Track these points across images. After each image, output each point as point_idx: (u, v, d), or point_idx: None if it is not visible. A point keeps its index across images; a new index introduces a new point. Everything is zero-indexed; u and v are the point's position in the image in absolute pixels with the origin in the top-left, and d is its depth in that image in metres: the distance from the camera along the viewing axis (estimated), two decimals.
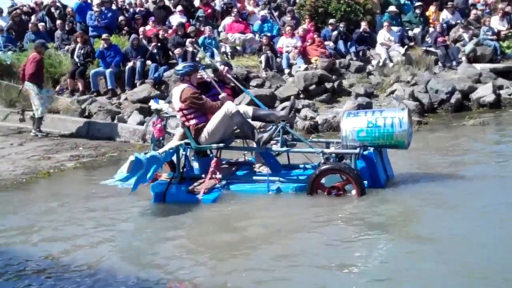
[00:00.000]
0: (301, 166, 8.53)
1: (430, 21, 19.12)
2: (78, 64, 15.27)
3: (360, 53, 17.04)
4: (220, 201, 7.63)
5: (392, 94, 15.31)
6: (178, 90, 8.02)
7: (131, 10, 18.29)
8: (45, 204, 8.28)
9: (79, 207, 7.96)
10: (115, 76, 14.95)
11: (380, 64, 16.60)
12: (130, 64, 14.96)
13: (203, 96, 7.98)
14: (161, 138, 8.51)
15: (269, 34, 17.11)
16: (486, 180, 8.11)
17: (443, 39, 17.47)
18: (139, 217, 7.48)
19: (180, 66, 8.41)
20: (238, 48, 16.82)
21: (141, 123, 13.47)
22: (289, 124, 8.08)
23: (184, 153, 8.27)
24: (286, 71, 15.78)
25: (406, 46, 17.18)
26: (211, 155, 8.35)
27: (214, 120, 7.88)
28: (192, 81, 8.09)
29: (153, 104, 8.72)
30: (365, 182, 7.44)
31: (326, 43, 16.77)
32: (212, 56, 16.04)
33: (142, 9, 18.41)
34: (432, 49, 17.39)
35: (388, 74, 16.36)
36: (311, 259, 5.52)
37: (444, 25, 18.25)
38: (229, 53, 16.35)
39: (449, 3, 19.57)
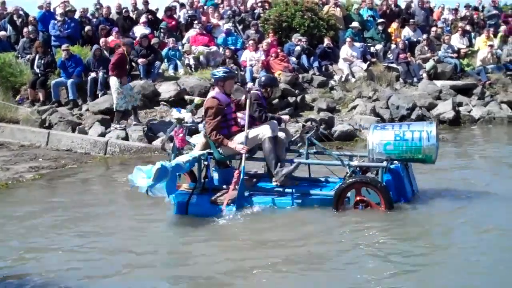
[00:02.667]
0: (323, 179, 8.36)
1: (392, 37, 19.39)
2: (39, 74, 15.04)
3: (323, 68, 17.18)
4: (243, 212, 7.54)
5: (353, 109, 15.46)
6: (207, 100, 7.86)
7: (95, 20, 18.10)
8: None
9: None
10: (76, 86, 14.77)
11: (343, 79, 16.77)
12: (92, 74, 14.81)
13: (219, 117, 7.64)
14: (181, 149, 8.41)
15: (233, 47, 17.16)
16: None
17: (405, 56, 17.74)
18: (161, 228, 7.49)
19: (217, 70, 8.15)
20: (202, 60, 16.79)
21: (102, 134, 13.34)
22: (314, 136, 8.03)
23: (206, 163, 8.12)
24: (249, 84, 15.80)
25: (368, 62, 17.40)
26: (231, 166, 8.23)
27: (249, 134, 7.72)
28: (225, 87, 7.84)
29: (175, 113, 8.64)
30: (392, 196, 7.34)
31: (289, 57, 16.88)
32: (175, 68, 16.05)
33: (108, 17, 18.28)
34: (393, 65, 17.64)
35: (350, 89, 16.53)
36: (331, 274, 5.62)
37: (406, 42, 18.51)
38: (193, 66, 16.34)
39: (411, 20, 19.93)
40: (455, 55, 18.40)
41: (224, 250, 6.48)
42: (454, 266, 5.69)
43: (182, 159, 7.67)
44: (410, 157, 7.61)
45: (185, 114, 8.57)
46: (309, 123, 8.53)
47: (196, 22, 18.13)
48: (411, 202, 7.63)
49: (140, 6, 19.15)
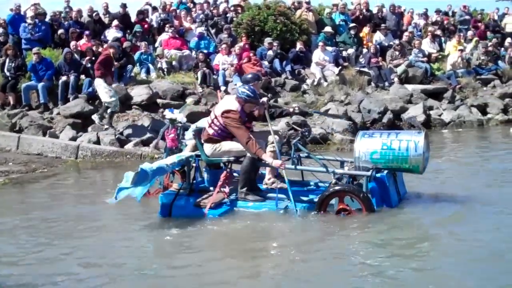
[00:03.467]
0: (312, 183, 8.30)
1: (364, 42, 19.55)
2: (9, 78, 14.86)
3: (296, 72, 17.25)
4: (227, 216, 7.46)
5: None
6: (228, 105, 7.68)
7: (66, 23, 17.95)
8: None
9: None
10: (47, 90, 14.62)
11: (315, 83, 16.86)
12: (63, 78, 14.68)
13: (245, 128, 7.56)
14: (174, 148, 8.37)
15: (205, 51, 17.14)
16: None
17: (376, 60, 17.90)
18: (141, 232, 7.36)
19: (242, 89, 7.72)
20: (174, 64, 16.76)
21: (74, 138, 13.23)
22: (301, 142, 7.94)
23: (194, 164, 8.08)
24: (222, 88, 15.80)
25: (340, 66, 17.51)
26: (223, 167, 8.05)
27: (234, 146, 7.62)
28: (245, 108, 7.69)
29: (167, 114, 8.63)
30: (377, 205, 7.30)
31: (262, 61, 16.92)
32: (148, 72, 15.99)
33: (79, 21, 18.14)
34: (365, 69, 17.79)
35: (322, 93, 16.62)
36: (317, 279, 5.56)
37: (378, 46, 18.68)
38: (165, 69, 16.29)
39: (382, 25, 20.12)
40: (425, 59, 18.64)
41: (208, 259, 6.29)
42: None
43: (166, 161, 7.66)
44: (396, 167, 7.54)
45: (177, 115, 8.60)
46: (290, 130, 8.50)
47: (168, 25, 18.10)
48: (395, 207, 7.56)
49: (112, 9, 19.06)
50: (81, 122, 13.84)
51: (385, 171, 7.52)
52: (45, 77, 14.62)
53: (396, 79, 17.71)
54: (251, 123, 8.05)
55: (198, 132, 7.93)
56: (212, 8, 20.52)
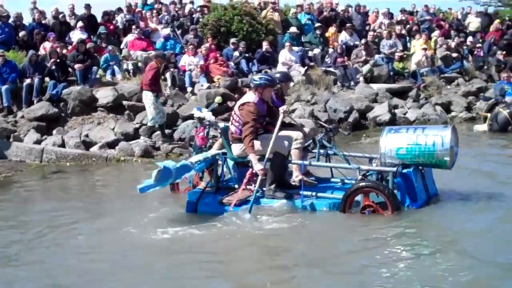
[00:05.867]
0: (339, 181, 8.29)
1: (330, 42, 19.68)
2: None
3: (262, 72, 17.26)
4: (251, 213, 7.46)
5: (292, 113, 15.61)
6: (246, 98, 7.79)
7: (28, 25, 17.74)
8: None
9: None
10: (11, 93, 14.43)
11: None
12: (27, 81, 14.51)
13: (254, 124, 7.56)
14: (203, 147, 8.42)
15: (172, 52, 17.09)
16: None
17: (342, 60, 18.03)
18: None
19: (258, 76, 8.03)
20: (140, 65, 16.67)
21: (38, 142, 13.09)
22: (326, 138, 8.00)
23: (221, 162, 8.12)
24: (189, 89, 15.77)
25: (306, 66, 17.57)
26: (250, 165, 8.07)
27: (262, 144, 7.62)
28: (264, 95, 7.74)
29: (196, 112, 8.63)
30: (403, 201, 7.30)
31: (228, 62, 16.94)
32: (113, 73, 15.88)
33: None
34: (331, 69, 17.90)
35: (288, 93, 16.63)
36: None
37: (343, 46, 18.81)
38: (131, 71, 16.20)
39: (348, 24, 20.26)
40: (392, 55, 18.84)
41: (224, 259, 6.45)
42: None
43: (193, 159, 7.74)
44: (423, 162, 7.52)
45: (205, 113, 8.61)
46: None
47: (134, 27, 18.00)
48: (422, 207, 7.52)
49: (79, 11, 18.89)
50: (46, 125, 13.69)
51: (412, 167, 7.50)
52: (9, 80, 14.42)
53: (361, 79, 17.86)
54: (273, 126, 7.91)
55: (225, 131, 7.99)
56: (178, 9, 20.45)
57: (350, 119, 15.60)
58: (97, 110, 14.56)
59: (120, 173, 11.84)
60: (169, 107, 14.76)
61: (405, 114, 16.76)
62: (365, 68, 18.07)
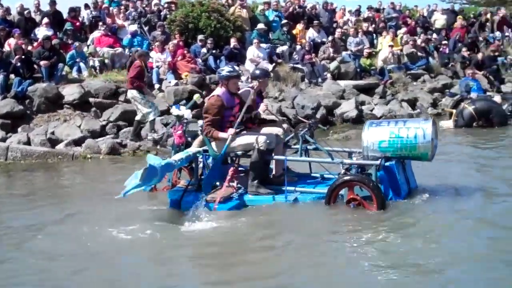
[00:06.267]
0: (318, 176, 8.28)
1: (297, 39, 19.75)
2: None
3: None
4: (236, 210, 7.49)
5: None
6: (213, 92, 7.84)
7: None
8: None
9: None
10: None
11: (249, 80, 16.89)
12: None
13: (218, 116, 7.62)
14: (181, 145, 8.33)
15: (139, 48, 16.96)
16: None
17: (310, 57, 18.12)
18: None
19: (221, 68, 8.07)
20: (107, 62, 16.54)
21: (3, 139, 12.92)
22: (309, 133, 8.00)
23: (202, 160, 8.06)
24: (156, 86, 15.68)
25: (274, 63, 17.61)
26: (230, 162, 8.09)
27: (242, 140, 7.69)
28: (229, 86, 7.76)
29: (174, 110, 8.55)
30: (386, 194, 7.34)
31: (196, 58, 16.90)
32: (79, 70, 15.73)
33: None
34: (299, 66, 17.98)
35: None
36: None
37: (311, 43, 18.90)
38: (98, 68, 16.07)
39: (315, 22, 20.34)
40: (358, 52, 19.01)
41: (213, 255, 6.44)
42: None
43: (175, 157, 7.68)
44: (405, 155, 7.57)
45: (184, 111, 8.55)
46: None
47: (100, 23, 17.84)
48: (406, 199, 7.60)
49: (45, 8, 18.63)
50: (11, 123, 13.50)
51: (394, 160, 7.57)
52: None
53: (329, 75, 17.98)
54: (254, 124, 8.02)
55: None
56: (145, 5, 20.31)
57: (318, 116, 15.67)
58: (63, 107, 14.39)
59: (86, 171, 11.76)
60: None
61: (371, 110, 16.92)
62: (333, 65, 18.20)
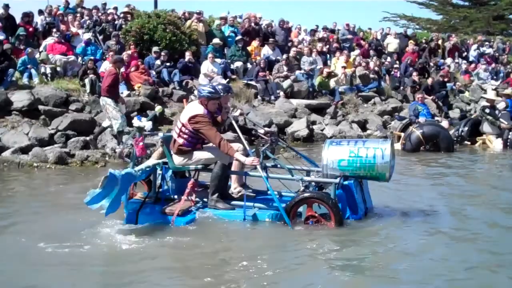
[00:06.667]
0: (276, 193, 8.18)
1: (252, 55, 19.88)
2: None
3: (184, 83, 17.27)
4: (194, 224, 7.42)
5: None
6: (194, 110, 7.68)
7: None
8: None
9: None
10: None
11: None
12: None
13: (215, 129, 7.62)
14: (142, 157, 8.14)
15: (92, 57, 16.82)
16: None
17: (264, 74, 18.25)
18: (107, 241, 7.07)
19: (202, 88, 7.94)
20: (59, 70, 16.33)
21: None
22: (270, 149, 7.98)
23: (161, 172, 7.98)
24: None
25: (228, 79, 17.68)
26: (188, 176, 8.07)
27: (204, 154, 7.69)
28: (208, 107, 7.74)
29: (135, 122, 8.35)
30: (343, 212, 7.38)
31: (150, 70, 16.84)
32: (30, 77, 15.48)
33: None
34: (252, 82, 18.09)
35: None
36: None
37: (266, 60, 19.04)
38: (49, 75, 15.85)
39: (271, 39, 20.52)
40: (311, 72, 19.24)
41: (173, 269, 6.33)
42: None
43: (136, 168, 7.58)
44: (364, 174, 7.66)
45: (145, 123, 8.43)
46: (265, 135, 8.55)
47: (54, 30, 17.61)
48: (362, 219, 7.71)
49: None
50: None
51: (352, 180, 7.66)
52: None
53: (282, 93, 18.14)
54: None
55: (166, 140, 7.93)
56: (100, 14, 20.14)
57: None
58: (12, 113, 14.13)
59: (32, 180, 11.52)
60: (87, 114, 14.53)
61: (322, 130, 17.12)
62: (286, 83, 18.37)
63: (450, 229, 7.65)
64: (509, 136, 15.59)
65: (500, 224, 8.02)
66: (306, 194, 7.46)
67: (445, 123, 16.56)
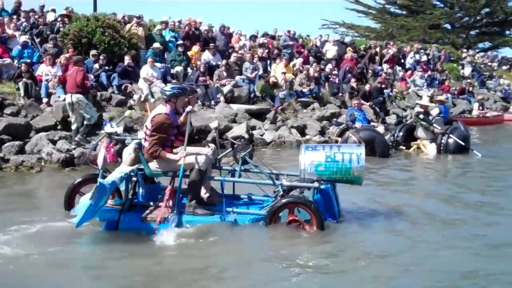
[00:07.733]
0: (246, 196, 8.37)
1: (193, 60, 19.88)
2: None
3: (122, 87, 17.11)
4: (176, 230, 7.38)
5: None
6: (157, 110, 7.64)
7: None
8: None
9: None
10: None
11: (142, 99, 16.81)
12: None
13: (166, 135, 7.56)
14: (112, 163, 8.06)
15: (28, 60, 16.47)
16: None
17: (204, 79, 18.28)
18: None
19: (168, 86, 7.93)
20: None
21: None
22: (248, 155, 8.01)
23: (135, 179, 7.86)
24: (45, 100, 15.29)
25: (168, 84, 17.57)
26: (158, 182, 8.07)
27: (178, 159, 7.56)
28: (177, 105, 7.69)
29: (107, 127, 8.10)
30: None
31: (88, 74, 16.61)
32: None
33: None
34: (193, 87, 18.02)
35: (149, 110, 16.58)
36: None
37: (206, 65, 19.07)
38: None
39: (211, 44, 20.56)
40: (253, 77, 19.35)
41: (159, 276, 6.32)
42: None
43: (115, 175, 7.45)
44: (339, 178, 7.88)
45: (117, 128, 8.29)
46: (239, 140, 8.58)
47: None
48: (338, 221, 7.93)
49: None
50: None
51: (329, 183, 7.82)
52: None
53: (222, 98, 18.19)
54: (183, 136, 7.90)
55: (141, 146, 7.83)
56: (38, 17, 19.76)
57: (209, 138, 15.76)
58: None
59: None
60: (22, 118, 14.23)
61: (262, 135, 17.24)
62: (226, 89, 18.43)
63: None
64: (443, 141, 16.02)
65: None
66: (289, 199, 7.62)
67: (381, 129, 16.91)
